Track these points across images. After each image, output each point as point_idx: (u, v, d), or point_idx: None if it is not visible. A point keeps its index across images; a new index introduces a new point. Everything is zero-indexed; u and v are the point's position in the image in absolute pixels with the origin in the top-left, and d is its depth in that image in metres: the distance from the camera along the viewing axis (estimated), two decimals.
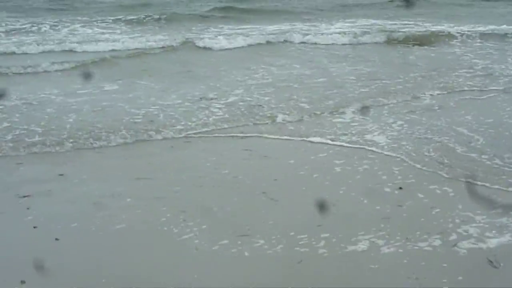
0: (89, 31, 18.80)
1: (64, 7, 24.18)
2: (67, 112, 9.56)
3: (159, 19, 20.47)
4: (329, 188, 6.64)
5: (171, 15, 21.20)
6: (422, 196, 6.39)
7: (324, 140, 8.19)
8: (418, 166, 7.22)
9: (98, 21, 20.21)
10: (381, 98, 10.29)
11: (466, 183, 6.64)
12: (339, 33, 17.81)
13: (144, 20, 20.36)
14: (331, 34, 17.62)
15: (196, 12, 22.47)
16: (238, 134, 8.53)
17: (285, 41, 16.61)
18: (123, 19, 20.56)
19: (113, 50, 15.54)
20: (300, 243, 5.38)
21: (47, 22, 19.69)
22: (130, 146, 8.15)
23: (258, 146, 8.07)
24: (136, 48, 15.80)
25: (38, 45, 15.99)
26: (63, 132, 8.57)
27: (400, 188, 6.58)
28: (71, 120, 9.14)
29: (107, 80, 11.98)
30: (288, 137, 8.36)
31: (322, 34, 17.67)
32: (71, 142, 8.15)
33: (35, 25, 19.36)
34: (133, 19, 20.54)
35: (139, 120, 9.09)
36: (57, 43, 16.30)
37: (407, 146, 7.90)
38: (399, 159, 7.46)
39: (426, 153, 7.62)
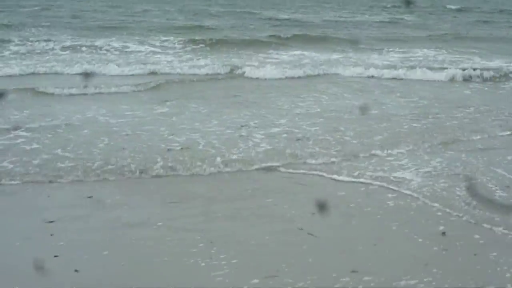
0: (142, 50, 18.98)
1: (117, 26, 24.52)
2: (106, 134, 9.46)
3: (211, 42, 20.51)
4: (367, 228, 6.34)
5: (223, 39, 21.26)
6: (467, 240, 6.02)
7: (352, 179, 7.76)
8: (455, 213, 6.72)
9: (150, 42, 20.41)
10: (429, 134, 9.85)
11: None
12: (391, 64, 17.52)
13: (196, 43, 20.42)
14: (383, 64, 17.35)
15: (250, 37, 22.43)
16: (274, 164, 8.26)
17: (336, 72, 16.29)
18: (174, 40, 20.71)
19: (163, 74, 15.62)
20: (336, 286, 5.05)
21: (101, 41, 19.97)
22: (164, 173, 7.91)
23: (294, 180, 7.78)
24: (189, 73, 15.82)
25: (94, 65, 16.12)
26: (93, 155, 8.46)
27: (443, 233, 6.19)
28: (101, 145, 8.96)
29: (155, 102, 12.06)
30: (319, 172, 8.01)
31: (373, 64, 17.41)
32: (101, 168, 7.96)
33: (89, 43, 19.71)
34: (185, 41, 20.62)
35: (177, 147, 8.89)
36: (110, 63, 16.44)
37: (441, 185, 7.49)
38: (435, 204, 6.97)
39: (458, 193, 7.19)
